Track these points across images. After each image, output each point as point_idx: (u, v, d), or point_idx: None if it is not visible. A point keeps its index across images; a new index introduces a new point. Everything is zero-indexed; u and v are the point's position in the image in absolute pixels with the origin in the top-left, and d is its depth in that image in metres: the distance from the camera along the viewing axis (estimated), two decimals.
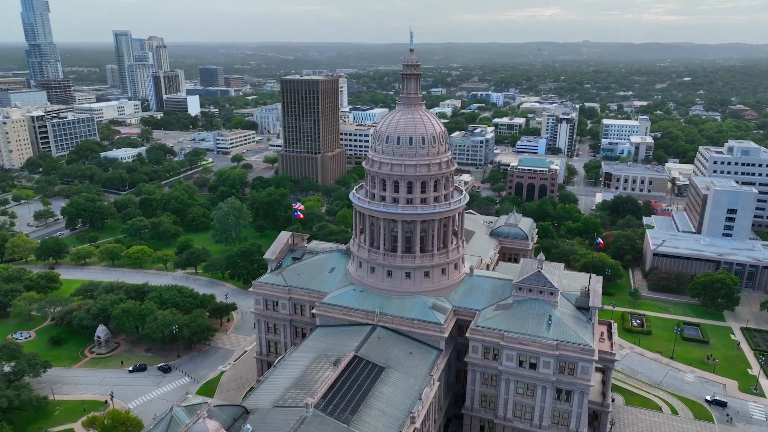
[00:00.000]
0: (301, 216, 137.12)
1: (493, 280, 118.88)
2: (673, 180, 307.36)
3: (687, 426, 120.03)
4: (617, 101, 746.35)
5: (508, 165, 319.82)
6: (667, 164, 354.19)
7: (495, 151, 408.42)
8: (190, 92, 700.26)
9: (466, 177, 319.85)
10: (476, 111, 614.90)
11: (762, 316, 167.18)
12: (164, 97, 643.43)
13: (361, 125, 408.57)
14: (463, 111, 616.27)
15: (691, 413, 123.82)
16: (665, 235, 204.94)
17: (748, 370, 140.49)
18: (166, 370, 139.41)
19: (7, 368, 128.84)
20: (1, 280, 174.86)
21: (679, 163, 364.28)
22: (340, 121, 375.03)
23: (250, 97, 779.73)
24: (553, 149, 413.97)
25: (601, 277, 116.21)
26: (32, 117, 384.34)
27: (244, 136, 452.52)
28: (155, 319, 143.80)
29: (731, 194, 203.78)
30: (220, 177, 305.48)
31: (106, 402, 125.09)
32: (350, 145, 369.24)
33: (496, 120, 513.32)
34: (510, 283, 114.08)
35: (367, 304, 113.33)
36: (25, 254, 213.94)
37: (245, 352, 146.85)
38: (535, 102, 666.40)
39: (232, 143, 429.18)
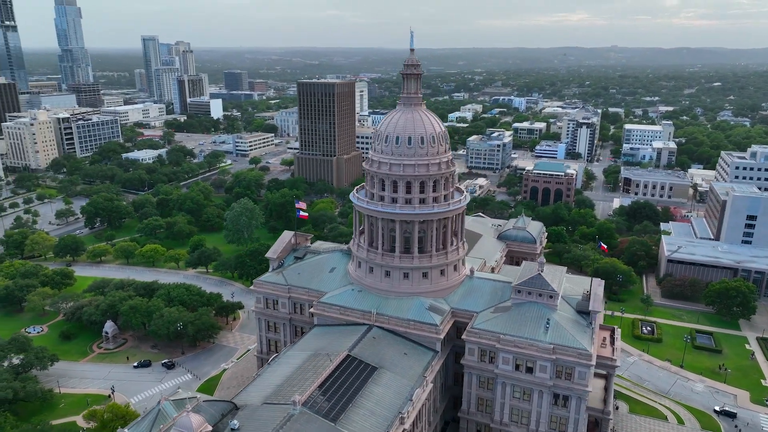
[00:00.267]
0: (304, 215, 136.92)
1: (493, 283, 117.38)
2: (694, 186, 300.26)
3: None
4: (643, 106, 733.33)
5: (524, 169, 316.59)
6: (690, 170, 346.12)
7: (513, 155, 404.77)
8: (213, 96, 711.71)
9: (481, 181, 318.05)
10: (497, 115, 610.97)
11: None
12: (188, 100, 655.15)
13: None
14: (484, 115, 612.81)
15: (698, 423, 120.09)
16: (681, 242, 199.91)
17: (762, 381, 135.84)
18: (169, 366, 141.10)
19: (16, 360, 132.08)
20: (18, 276, 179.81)
21: (703, 169, 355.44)
22: (358, 124, 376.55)
23: (273, 101, 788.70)
24: (572, 154, 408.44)
25: (603, 280, 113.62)
26: (58, 119, 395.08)
27: (263, 138, 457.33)
28: (161, 316, 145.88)
29: (751, 200, 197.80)
30: (237, 178, 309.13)
31: (109, 396, 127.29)
32: (366, 148, 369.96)
33: (516, 124, 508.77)
34: (510, 286, 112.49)
35: (364, 304, 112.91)
36: (44, 251, 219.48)
37: (248, 350, 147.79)
38: (558, 107, 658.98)
39: (250, 146, 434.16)
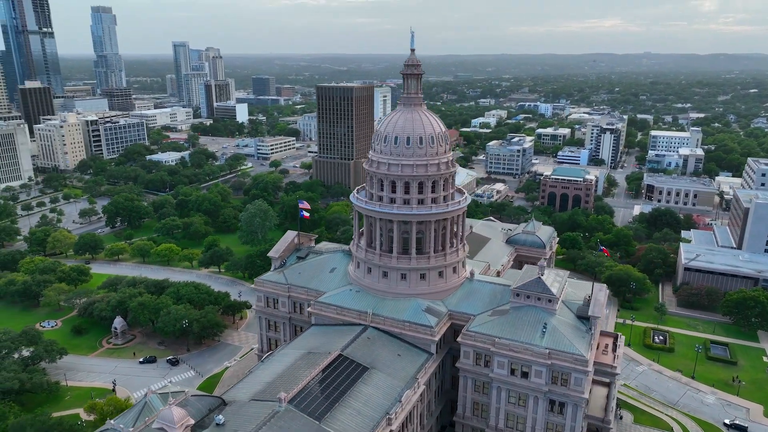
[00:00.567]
0: (307, 215, 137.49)
1: (492, 286, 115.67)
2: (721, 194, 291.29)
3: None
4: (673, 113, 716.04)
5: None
6: (717, 177, 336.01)
7: (534, 161, 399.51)
8: (240, 100, 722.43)
9: (499, 186, 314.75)
10: (521, 121, 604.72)
11: None
12: (214, 104, 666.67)
13: None
14: (508, 121, 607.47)
15: None
16: (701, 250, 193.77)
17: None
18: (174, 363, 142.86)
19: (26, 353, 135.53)
20: (37, 272, 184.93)
21: (732, 176, 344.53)
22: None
23: (298, 106, 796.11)
24: (596, 160, 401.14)
25: (605, 285, 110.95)
26: (86, 121, 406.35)
27: (285, 142, 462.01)
28: (168, 313, 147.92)
29: None
30: (255, 181, 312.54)
31: (113, 390, 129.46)
32: None
33: (540, 130, 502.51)
34: (509, 289, 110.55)
35: (361, 304, 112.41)
36: (65, 248, 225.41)
37: (252, 349, 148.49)
38: (585, 113, 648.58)
39: (272, 149, 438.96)
